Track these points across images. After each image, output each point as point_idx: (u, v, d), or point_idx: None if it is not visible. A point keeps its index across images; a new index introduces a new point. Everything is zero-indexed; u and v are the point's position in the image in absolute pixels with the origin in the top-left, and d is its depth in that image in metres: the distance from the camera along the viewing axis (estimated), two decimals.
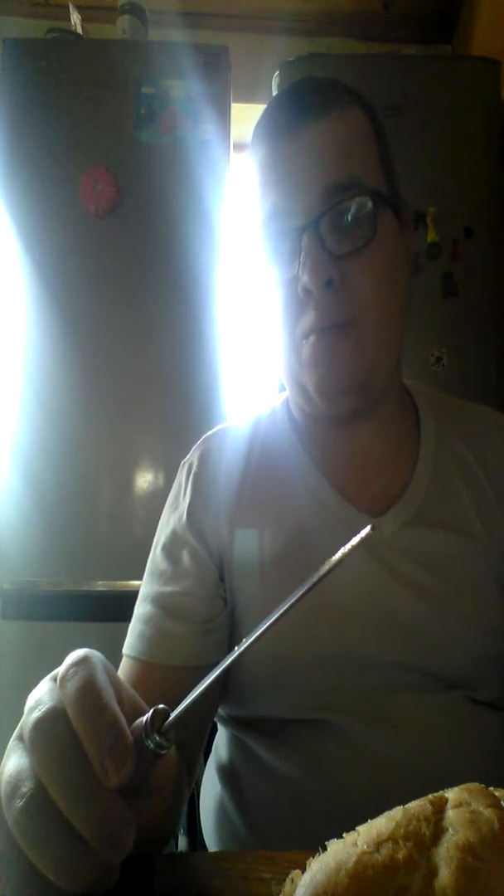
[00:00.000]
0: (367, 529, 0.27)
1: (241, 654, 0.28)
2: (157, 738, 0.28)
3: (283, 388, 0.64)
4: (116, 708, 0.27)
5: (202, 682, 0.29)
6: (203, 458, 0.62)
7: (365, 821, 0.27)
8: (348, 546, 0.27)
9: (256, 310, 0.59)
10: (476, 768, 0.49)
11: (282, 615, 0.27)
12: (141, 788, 0.28)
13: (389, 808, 0.27)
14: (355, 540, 0.27)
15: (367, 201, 0.50)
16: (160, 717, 0.28)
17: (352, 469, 0.59)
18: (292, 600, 0.27)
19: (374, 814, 0.27)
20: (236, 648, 0.28)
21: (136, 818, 0.26)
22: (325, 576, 0.27)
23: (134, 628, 0.55)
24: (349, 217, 0.50)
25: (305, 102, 0.52)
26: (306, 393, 0.55)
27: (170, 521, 0.60)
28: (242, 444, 0.62)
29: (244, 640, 0.28)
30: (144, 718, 0.28)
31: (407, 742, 0.50)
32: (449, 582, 0.53)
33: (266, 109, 0.55)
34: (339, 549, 0.27)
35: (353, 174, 0.50)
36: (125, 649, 0.55)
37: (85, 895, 0.25)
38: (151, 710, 0.28)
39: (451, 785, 0.28)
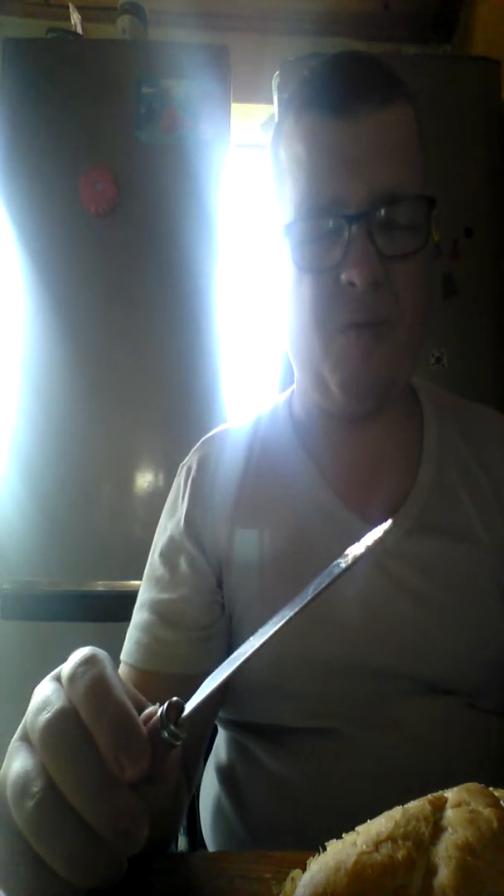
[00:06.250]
0: (388, 523, 0.28)
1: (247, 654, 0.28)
2: (173, 728, 0.28)
3: (283, 388, 0.63)
4: (129, 703, 0.27)
5: (218, 672, 0.29)
6: (201, 462, 0.61)
7: (364, 822, 0.27)
8: (371, 539, 0.28)
9: (267, 294, 0.58)
10: (477, 774, 0.49)
11: (308, 603, 0.27)
12: (151, 777, 0.29)
13: None
14: (378, 533, 0.28)
15: (425, 208, 0.49)
16: (175, 708, 0.28)
17: (356, 472, 0.58)
18: (318, 590, 0.27)
19: (374, 817, 0.27)
20: (253, 639, 0.28)
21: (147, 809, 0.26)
22: (350, 567, 0.27)
23: (131, 635, 0.55)
24: (404, 220, 0.48)
25: (364, 83, 0.49)
26: (325, 386, 0.53)
27: (167, 526, 0.59)
28: (242, 445, 0.61)
29: (268, 625, 0.28)
30: (159, 711, 0.28)
31: (407, 747, 0.49)
32: (451, 590, 0.53)
33: (313, 77, 0.51)
34: (343, 550, 0.28)
35: (411, 177, 0.49)
36: (123, 656, 0.54)
37: (93, 891, 0.26)
38: (166, 703, 0.29)
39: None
